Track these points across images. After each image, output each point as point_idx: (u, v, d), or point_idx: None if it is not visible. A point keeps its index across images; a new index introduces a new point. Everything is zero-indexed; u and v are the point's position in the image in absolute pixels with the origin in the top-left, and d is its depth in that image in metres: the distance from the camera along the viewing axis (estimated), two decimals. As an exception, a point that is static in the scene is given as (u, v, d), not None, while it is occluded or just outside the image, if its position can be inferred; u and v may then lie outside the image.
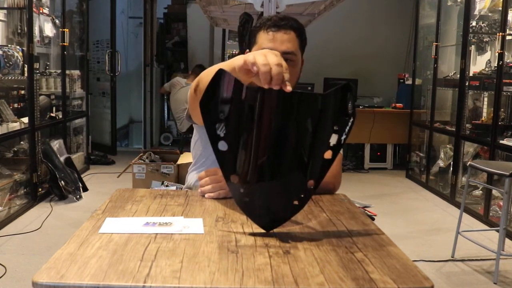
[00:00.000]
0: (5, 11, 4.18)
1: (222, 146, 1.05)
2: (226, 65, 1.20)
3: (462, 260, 3.28)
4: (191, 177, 1.71)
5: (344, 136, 1.05)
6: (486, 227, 3.91)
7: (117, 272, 0.86)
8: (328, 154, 1.06)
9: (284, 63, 1.05)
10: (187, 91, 7.19)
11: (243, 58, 1.10)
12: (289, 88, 1.01)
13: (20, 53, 3.86)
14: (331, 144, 1.05)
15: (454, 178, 4.71)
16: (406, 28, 6.89)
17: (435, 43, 5.21)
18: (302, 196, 1.09)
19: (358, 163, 6.38)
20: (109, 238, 1.02)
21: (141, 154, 4.47)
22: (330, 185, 1.49)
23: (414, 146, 5.99)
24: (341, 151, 1.61)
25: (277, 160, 1.06)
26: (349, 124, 1.04)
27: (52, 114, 4.83)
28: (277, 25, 1.49)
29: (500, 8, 4.00)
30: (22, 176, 4.11)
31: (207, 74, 1.29)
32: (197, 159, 1.70)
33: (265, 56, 1.06)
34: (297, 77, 1.56)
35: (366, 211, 2.50)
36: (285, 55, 1.47)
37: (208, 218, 1.19)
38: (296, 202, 1.09)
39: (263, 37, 1.50)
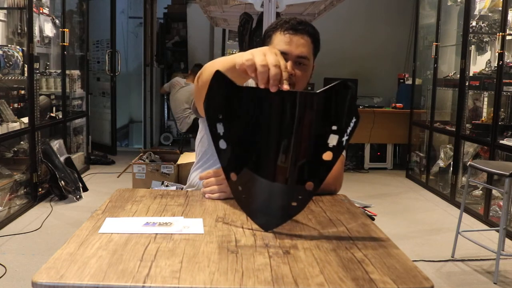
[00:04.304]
0: (5, 11, 4.17)
1: (222, 144, 1.07)
2: (228, 60, 1.22)
3: (462, 260, 3.28)
4: (194, 176, 1.70)
5: (345, 137, 1.01)
6: (486, 227, 3.91)
7: (116, 272, 0.85)
8: (327, 156, 1.03)
9: (282, 62, 1.05)
10: (186, 91, 7.15)
11: (242, 57, 1.10)
12: (286, 87, 1.00)
13: (20, 53, 3.86)
14: (331, 145, 1.02)
15: (454, 178, 4.71)
16: (406, 28, 6.89)
17: (435, 43, 5.21)
18: (300, 197, 1.08)
19: (358, 163, 6.38)
20: (109, 238, 1.02)
21: (141, 154, 4.46)
22: (331, 187, 1.50)
23: (414, 146, 5.98)
24: (344, 153, 1.60)
25: (274, 159, 1.05)
26: (351, 125, 1.01)
27: (52, 114, 4.83)
28: (295, 29, 1.52)
29: (500, 8, 4.00)
30: (22, 176, 4.11)
31: (211, 65, 1.31)
32: (201, 156, 1.69)
33: (264, 55, 1.06)
34: (307, 81, 1.59)
35: (366, 211, 2.50)
36: (298, 59, 1.51)
37: (208, 218, 1.19)
38: (294, 204, 1.09)
39: (280, 38, 1.52)
